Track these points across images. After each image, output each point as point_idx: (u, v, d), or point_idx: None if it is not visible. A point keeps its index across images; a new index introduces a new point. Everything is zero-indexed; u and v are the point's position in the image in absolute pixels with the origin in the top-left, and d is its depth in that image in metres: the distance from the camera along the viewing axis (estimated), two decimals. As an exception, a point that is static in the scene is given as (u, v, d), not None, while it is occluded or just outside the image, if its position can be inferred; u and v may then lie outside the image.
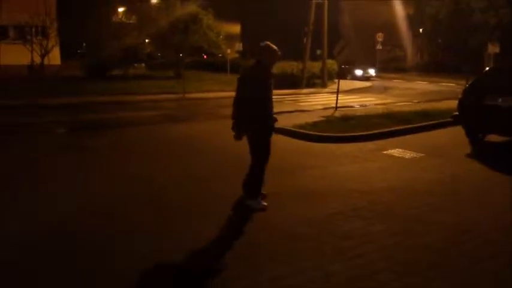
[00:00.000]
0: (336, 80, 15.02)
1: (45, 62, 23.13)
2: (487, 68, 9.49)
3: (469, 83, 9.12)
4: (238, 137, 4.81)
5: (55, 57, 25.75)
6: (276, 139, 4.58)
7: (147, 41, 29.13)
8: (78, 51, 32.06)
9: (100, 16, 30.48)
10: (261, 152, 4.84)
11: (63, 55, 29.16)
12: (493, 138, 8.47)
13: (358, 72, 28.73)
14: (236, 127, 4.82)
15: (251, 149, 4.87)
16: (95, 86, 17.91)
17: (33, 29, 23.99)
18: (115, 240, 4.08)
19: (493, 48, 20.93)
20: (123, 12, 33.09)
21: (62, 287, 3.32)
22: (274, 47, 4.85)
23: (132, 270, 3.50)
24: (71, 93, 15.81)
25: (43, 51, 22.83)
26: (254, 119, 4.72)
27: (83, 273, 3.48)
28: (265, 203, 4.87)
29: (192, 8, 25.98)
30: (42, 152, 7.73)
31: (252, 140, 4.84)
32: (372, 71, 29.44)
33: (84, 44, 33.38)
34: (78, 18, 29.24)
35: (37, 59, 22.86)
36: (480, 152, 8.06)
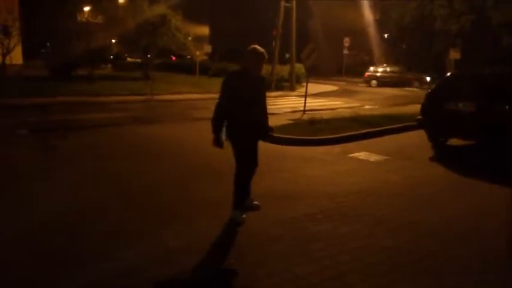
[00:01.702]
0: (304, 84, 15.19)
1: (7, 61, 22.37)
2: (448, 74, 9.82)
3: (432, 88, 9.40)
4: (219, 143, 4.56)
5: (17, 56, 24.93)
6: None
7: (113, 41, 28.65)
8: (42, 50, 31.13)
9: (65, 15, 29.72)
10: (243, 160, 4.64)
11: (26, 54, 28.29)
12: (454, 142, 8.77)
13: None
14: (227, 135, 4.60)
15: (235, 156, 4.67)
16: (60, 87, 17.47)
17: (-5, 27, 23.18)
18: (92, 248, 3.99)
19: (455, 54, 21.68)
20: (89, 11, 32.40)
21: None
22: (261, 49, 4.63)
23: (103, 280, 3.45)
24: (34, 93, 15.37)
25: (4, 50, 22.08)
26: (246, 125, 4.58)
27: (50, 283, 3.40)
28: (243, 216, 4.64)
29: (160, 9, 25.75)
30: (5, 154, 7.48)
31: (236, 148, 4.64)
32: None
33: (48, 44, 32.46)
34: (42, 17, 28.42)
35: (-2, 59, 22.10)
36: (442, 155, 8.32)
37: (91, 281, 3.40)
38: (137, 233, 4.29)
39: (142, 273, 3.55)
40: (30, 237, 4.15)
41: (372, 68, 29.74)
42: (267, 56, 4.69)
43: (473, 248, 4.13)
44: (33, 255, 3.79)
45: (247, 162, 4.65)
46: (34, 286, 3.35)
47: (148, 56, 26.58)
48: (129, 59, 30.38)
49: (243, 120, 4.54)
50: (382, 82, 27.58)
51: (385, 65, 30.89)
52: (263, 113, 4.80)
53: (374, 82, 28.10)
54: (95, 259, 3.74)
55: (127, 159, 7.36)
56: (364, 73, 29.65)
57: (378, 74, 28.57)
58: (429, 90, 9.33)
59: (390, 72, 28.54)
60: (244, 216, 4.66)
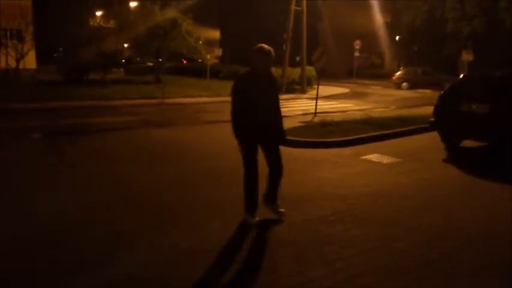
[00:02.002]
0: (315, 86, 15.16)
1: (21, 66, 22.70)
2: (462, 75, 9.73)
3: (445, 89, 9.32)
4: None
5: (30, 61, 25.30)
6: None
7: (125, 45, 28.91)
8: (55, 55, 31.55)
9: (77, 20, 30.12)
10: (245, 162, 4.60)
11: (39, 59, 28.67)
12: (468, 143, 8.67)
13: None
14: (234, 133, 4.60)
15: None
16: (72, 91, 17.66)
17: (8, 33, 23.53)
18: (95, 249, 4.01)
19: (467, 56, 21.51)
20: (101, 16, 32.76)
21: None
22: (267, 47, 4.56)
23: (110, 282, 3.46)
24: (47, 97, 15.54)
25: (18, 55, 22.40)
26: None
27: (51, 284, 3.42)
28: (256, 218, 4.58)
29: (171, 13, 25.94)
30: (19, 158, 7.57)
31: (240, 147, 4.62)
32: None
33: (60, 48, 32.87)
34: (55, 22, 28.82)
35: (12, 63, 22.42)
36: (456, 157, 8.24)
37: (94, 283, 3.41)
38: (142, 235, 4.29)
39: (147, 274, 3.55)
40: (31, 238, 4.18)
41: (400, 71, 28.99)
42: (273, 54, 4.60)
43: (484, 251, 4.06)
44: (33, 255, 3.81)
45: (248, 165, 4.56)
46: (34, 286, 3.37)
47: (160, 60, 26.74)
48: (148, 63, 30.20)
49: (250, 121, 4.50)
50: (414, 84, 26.67)
51: (401, 67, 30.14)
52: (274, 115, 4.67)
53: (405, 84, 27.00)
54: (97, 260, 3.75)
55: (136, 162, 7.39)
56: (392, 76, 29.06)
57: (409, 76, 27.68)
58: (442, 92, 9.25)
59: (421, 73, 27.75)
60: (257, 218, 4.60)
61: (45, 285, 3.38)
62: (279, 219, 4.65)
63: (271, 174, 4.67)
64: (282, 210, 4.76)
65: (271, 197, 4.73)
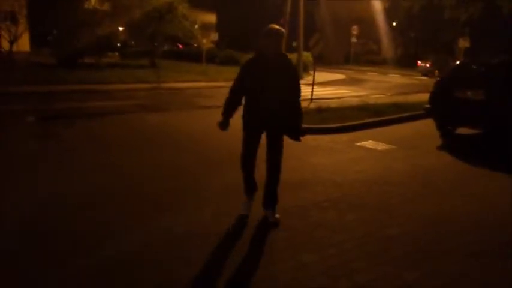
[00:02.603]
0: (312, 72, 15.11)
1: (14, 48, 22.44)
2: (458, 62, 9.71)
3: (440, 76, 9.31)
4: (222, 125, 4.30)
5: (24, 43, 25.04)
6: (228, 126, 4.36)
7: (120, 29, 28.60)
8: (49, 37, 31.15)
9: (72, 2, 29.68)
10: (242, 147, 4.37)
11: (33, 42, 28.35)
12: (463, 131, 8.70)
13: None
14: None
15: None
16: (67, 74, 17.49)
17: (1, 15, 23.20)
18: (86, 235, 4.01)
19: (464, 43, 21.46)
20: (96, -2, 32.30)
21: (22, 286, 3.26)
22: (276, 27, 4.17)
23: (99, 269, 3.48)
24: (41, 81, 15.40)
25: (12, 37, 22.13)
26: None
27: (45, 273, 3.43)
28: (245, 202, 4.44)
29: (166, -4, 25.63)
30: (13, 141, 7.53)
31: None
32: None
33: (54, 31, 32.47)
34: (49, 4, 28.37)
35: (5, 46, 22.16)
36: (450, 144, 8.27)
37: (90, 264, 3.42)
38: (137, 220, 4.30)
39: (143, 256, 3.57)
40: (27, 222, 4.18)
41: (429, 59, 27.90)
42: (284, 34, 4.19)
43: (476, 237, 4.11)
44: (31, 238, 3.82)
45: (243, 150, 4.34)
46: (33, 272, 3.38)
47: (155, 44, 26.51)
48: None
49: (249, 108, 4.26)
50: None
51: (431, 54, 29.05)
52: (285, 104, 4.21)
53: (438, 72, 25.74)
54: (93, 244, 3.76)
55: (131, 147, 7.37)
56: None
57: (442, 64, 26.27)
58: (438, 79, 9.23)
59: (452, 61, 26.86)
60: (247, 207, 4.47)
61: (44, 265, 3.39)
62: (275, 224, 4.28)
63: (267, 175, 4.36)
64: (277, 216, 4.36)
65: (267, 200, 4.39)
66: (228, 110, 4.32)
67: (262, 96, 4.14)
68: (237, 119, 4.33)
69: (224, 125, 4.29)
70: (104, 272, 3.35)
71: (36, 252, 3.62)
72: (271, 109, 4.15)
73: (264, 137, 4.31)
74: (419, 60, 29.22)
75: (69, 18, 25.86)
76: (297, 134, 4.38)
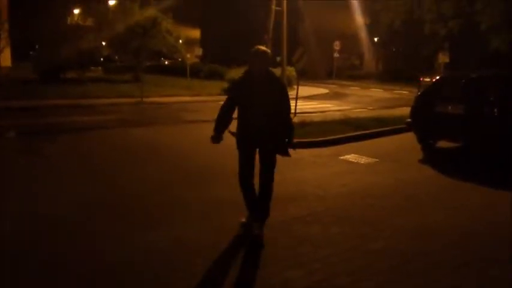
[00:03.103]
0: (295, 86, 15.22)
1: (-5, 63, 22.21)
2: (437, 77, 9.89)
3: (421, 91, 9.47)
4: (214, 139, 4.45)
5: (6, 58, 24.79)
6: (234, 143, 4.49)
7: (104, 44, 28.52)
8: (31, 52, 30.88)
9: (54, 17, 29.54)
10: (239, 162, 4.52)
11: (15, 57, 28.07)
12: (444, 144, 8.82)
13: None
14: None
15: None
16: (49, 89, 17.36)
17: (-17, 29, 22.96)
18: (67, 251, 3.95)
19: (444, 58, 21.87)
20: (79, 14, 32.20)
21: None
22: (263, 48, 4.41)
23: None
24: (23, 96, 15.25)
25: (-7, 52, 21.91)
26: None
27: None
28: (243, 220, 4.52)
29: (150, 11, 25.71)
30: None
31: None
32: None
33: (37, 46, 32.20)
34: (31, 19, 28.19)
35: (-14, 61, 21.92)
36: (432, 157, 8.37)
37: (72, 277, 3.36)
38: (123, 234, 4.25)
39: (125, 270, 3.53)
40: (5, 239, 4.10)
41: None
42: (270, 54, 4.41)
43: (460, 250, 4.14)
44: (15, 256, 3.74)
45: (240, 169, 4.45)
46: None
47: (139, 59, 26.49)
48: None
49: (241, 126, 4.39)
50: None
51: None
52: (274, 120, 4.30)
53: None
54: (76, 258, 3.70)
55: (114, 162, 7.32)
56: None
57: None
58: (419, 93, 9.38)
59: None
60: (243, 220, 4.53)
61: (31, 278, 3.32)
62: (257, 238, 4.23)
63: (260, 189, 4.43)
64: (261, 231, 4.30)
65: (258, 212, 4.38)
66: (220, 126, 4.47)
67: (251, 113, 4.30)
68: (224, 134, 4.37)
69: (216, 139, 4.45)
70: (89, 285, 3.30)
71: (18, 268, 3.54)
72: (261, 125, 4.27)
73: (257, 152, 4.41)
74: (422, 76, 29.29)
75: (52, 33, 25.72)
76: (285, 149, 4.47)
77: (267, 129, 4.28)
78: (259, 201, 4.44)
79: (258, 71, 4.31)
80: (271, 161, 4.43)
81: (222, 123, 4.46)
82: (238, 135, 4.43)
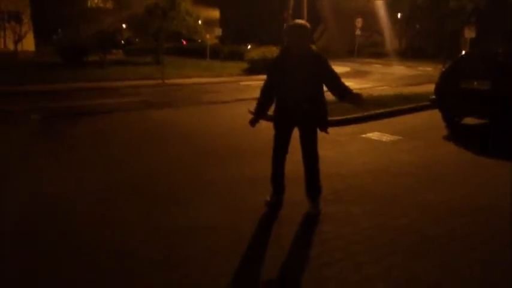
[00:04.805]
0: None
1: (19, 48, 22.56)
2: (463, 52, 9.62)
3: (446, 67, 9.24)
4: (252, 122, 4.49)
5: (29, 43, 25.16)
6: (257, 125, 4.48)
7: (124, 26, 28.65)
8: (54, 36, 31.26)
9: (75, 1, 29.79)
10: (274, 144, 4.50)
11: (38, 41, 28.46)
12: (469, 121, 8.63)
13: None
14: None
15: None
16: (72, 72, 17.56)
17: (6, 14, 23.30)
18: (100, 230, 4.03)
19: (469, 33, 21.19)
20: (99, -4, 32.39)
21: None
22: (300, 22, 4.23)
23: (112, 264, 3.49)
24: (47, 79, 15.47)
25: (16, 37, 22.22)
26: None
27: (60, 267, 3.45)
28: (268, 199, 4.54)
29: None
30: (18, 140, 7.57)
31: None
32: None
33: (59, 30, 32.56)
34: (53, 3, 28.48)
35: (10, 45, 22.27)
36: (456, 134, 8.21)
37: (92, 260, 3.44)
38: (143, 215, 4.31)
39: (144, 252, 3.57)
40: (31, 220, 4.21)
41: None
42: (308, 28, 4.18)
43: (483, 228, 4.08)
44: (40, 233, 3.84)
45: (274, 147, 4.47)
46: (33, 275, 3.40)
47: (159, 41, 26.55)
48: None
49: (279, 105, 4.35)
50: None
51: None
52: (310, 96, 4.21)
53: None
54: (97, 238, 3.78)
55: (137, 143, 7.38)
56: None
57: None
58: (443, 70, 9.16)
59: None
60: (268, 198, 4.56)
61: (49, 261, 3.41)
62: (316, 213, 4.32)
63: (304, 167, 4.45)
64: (318, 207, 4.39)
65: (309, 191, 4.45)
66: (259, 109, 4.50)
67: (290, 91, 4.21)
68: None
69: (253, 122, 4.48)
70: (109, 267, 3.36)
71: (46, 247, 3.64)
72: (299, 104, 4.18)
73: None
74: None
75: (74, 17, 25.95)
76: (326, 125, 4.47)
77: (306, 107, 4.19)
78: (308, 180, 4.45)
79: (297, 48, 4.14)
80: (312, 139, 4.38)
81: (262, 105, 4.47)
82: (277, 115, 4.40)
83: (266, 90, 4.42)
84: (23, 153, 6.72)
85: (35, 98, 12.19)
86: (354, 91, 4.40)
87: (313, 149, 4.42)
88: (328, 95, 4.38)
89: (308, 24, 4.25)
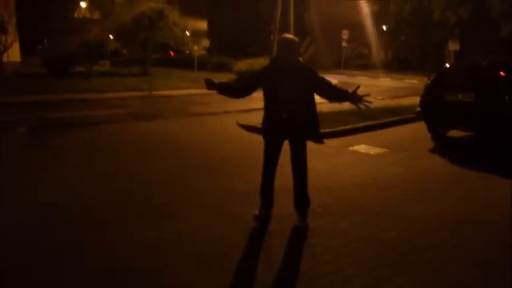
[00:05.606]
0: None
1: (4, 59, 22.31)
2: (447, 65, 9.79)
3: (431, 79, 9.39)
4: (208, 83, 4.39)
5: (15, 53, 24.85)
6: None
7: (111, 37, 28.57)
8: (39, 47, 31.01)
9: (62, 11, 29.65)
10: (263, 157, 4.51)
11: (24, 51, 28.18)
12: (454, 133, 8.75)
13: None
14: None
15: None
16: (58, 84, 17.42)
17: (-10, 25, 23.03)
18: (76, 245, 3.99)
19: (453, 46, 21.57)
20: (86, 7, 32.25)
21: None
22: (289, 36, 4.34)
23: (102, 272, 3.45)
24: (33, 91, 15.31)
25: (2, 47, 22.00)
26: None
27: (46, 279, 3.40)
28: (256, 212, 4.52)
29: (157, 3, 25.64)
30: (5, 151, 7.47)
31: None
32: None
33: (45, 40, 32.33)
34: (39, 13, 28.32)
35: (-5, 56, 22.04)
36: (442, 147, 8.32)
37: (82, 272, 3.40)
38: (130, 227, 4.28)
39: (132, 265, 3.55)
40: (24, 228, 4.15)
41: None
42: (297, 42, 4.28)
43: (473, 239, 4.13)
44: (29, 245, 3.79)
45: (264, 161, 4.47)
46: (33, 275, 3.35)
47: (146, 52, 26.52)
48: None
49: (269, 116, 4.37)
50: None
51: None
52: (300, 108, 4.26)
53: None
54: (84, 252, 3.74)
55: (124, 156, 7.34)
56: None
57: None
58: (428, 82, 9.31)
59: None
60: (256, 212, 4.54)
61: (44, 271, 3.37)
62: (305, 227, 4.34)
63: (294, 178, 4.47)
64: (306, 222, 4.40)
65: (297, 204, 4.47)
66: (226, 85, 4.57)
67: (279, 103, 4.24)
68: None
69: (209, 83, 4.35)
70: (97, 279, 3.33)
71: (33, 259, 3.60)
72: (290, 115, 4.22)
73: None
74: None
75: (60, 27, 25.80)
76: (319, 136, 4.51)
77: (296, 119, 4.23)
78: (296, 193, 4.45)
79: (287, 60, 4.23)
80: (302, 151, 4.40)
81: (229, 85, 4.57)
82: (266, 126, 4.41)
83: (244, 80, 4.52)
84: (8, 165, 6.63)
85: (20, 110, 12.06)
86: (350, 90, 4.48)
87: (304, 162, 4.45)
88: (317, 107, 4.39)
89: (296, 39, 4.33)
